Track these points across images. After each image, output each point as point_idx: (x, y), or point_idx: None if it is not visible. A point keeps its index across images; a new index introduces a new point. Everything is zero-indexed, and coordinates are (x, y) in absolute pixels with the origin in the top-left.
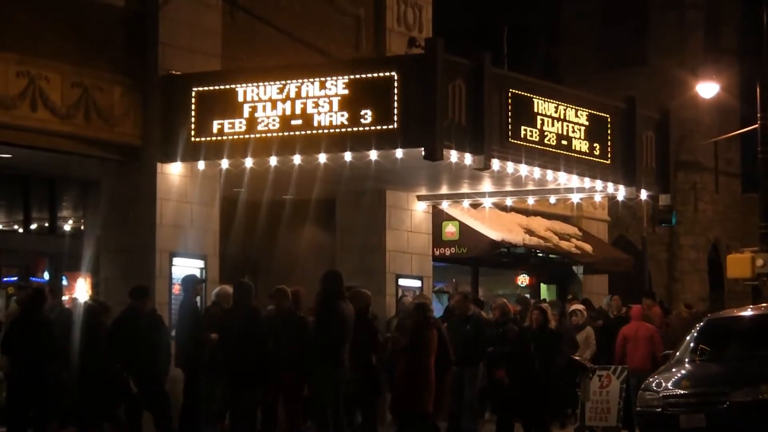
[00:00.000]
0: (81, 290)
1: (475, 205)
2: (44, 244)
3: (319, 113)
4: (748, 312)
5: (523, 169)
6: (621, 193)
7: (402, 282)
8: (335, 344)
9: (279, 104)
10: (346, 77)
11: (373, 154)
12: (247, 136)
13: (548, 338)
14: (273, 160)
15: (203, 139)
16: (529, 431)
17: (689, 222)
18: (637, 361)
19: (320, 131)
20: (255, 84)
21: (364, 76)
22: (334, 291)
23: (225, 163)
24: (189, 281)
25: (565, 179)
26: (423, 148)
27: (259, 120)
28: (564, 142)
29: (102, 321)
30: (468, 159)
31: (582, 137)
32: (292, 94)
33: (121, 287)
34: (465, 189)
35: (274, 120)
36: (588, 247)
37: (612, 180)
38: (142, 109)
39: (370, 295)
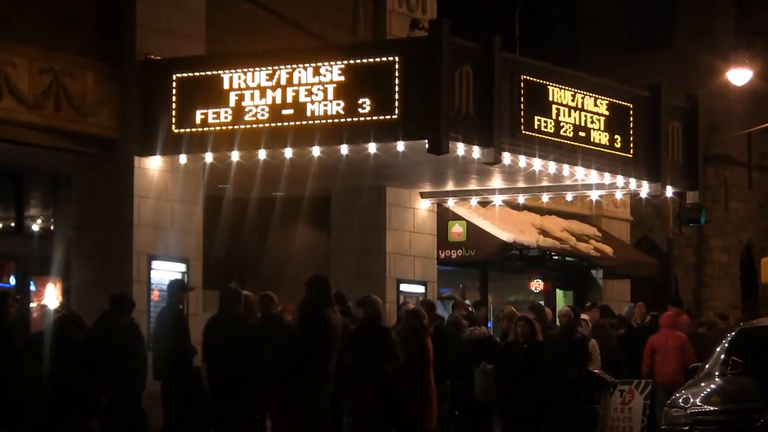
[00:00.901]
0: (50, 297)
1: (484, 203)
2: (10, 246)
3: (312, 102)
4: None
5: (537, 164)
6: (644, 189)
7: (404, 287)
8: (320, 356)
9: (268, 92)
10: (343, 62)
11: (372, 147)
12: (233, 127)
13: (538, 351)
14: (262, 154)
15: (185, 130)
16: None
17: (720, 222)
18: (667, 373)
19: (314, 122)
20: (242, 70)
21: (362, 61)
22: (320, 298)
23: (209, 157)
24: (173, 287)
25: (582, 174)
26: (427, 141)
27: (246, 109)
28: (582, 134)
29: (73, 331)
30: (476, 152)
31: (602, 128)
32: (283, 81)
33: (95, 293)
34: (473, 185)
35: (263, 109)
36: (608, 249)
37: (635, 175)
38: (118, 97)
39: (380, 302)
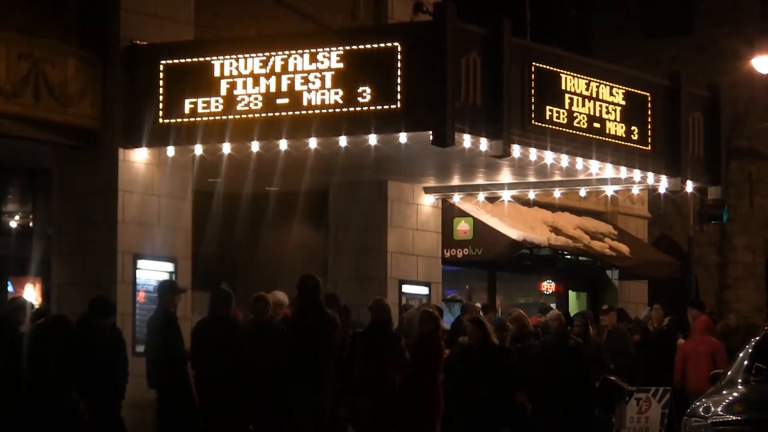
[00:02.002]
0: (29, 298)
1: (492, 199)
2: None
3: (309, 90)
4: None
5: (549, 157)
6: (663, 184)
7: (406, 289)
8: (310, 363)
9: (262, 80)
10: (341, 48)
11: (373, 139)
12: (224, 117)
13: (491, 357)
14: (255, 146)
15: (173, 120)
16: None
17: (744, 219)
18: (699, 381)
19: (310, 111)
20: (234, 56)
21: (361, 47)
22: (311, 300)
23: (199, 149)
24: (163, 288)
25: (597, 168)
26: (431, 132)
27: (238, 98)
28: (596, 125)
29: (57, 339)
30: (484, 144)
31: (618, 119)
32: (278, 69)
33: (76, 294)
34: (480, 180)
35: (256, 98)
36: (624, 248)
37: (653, 169)
38: (101, 86)
39: (390, 308)
